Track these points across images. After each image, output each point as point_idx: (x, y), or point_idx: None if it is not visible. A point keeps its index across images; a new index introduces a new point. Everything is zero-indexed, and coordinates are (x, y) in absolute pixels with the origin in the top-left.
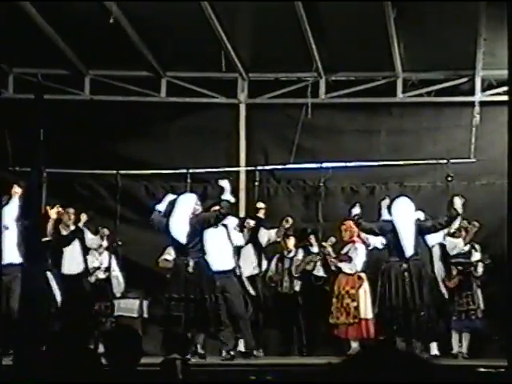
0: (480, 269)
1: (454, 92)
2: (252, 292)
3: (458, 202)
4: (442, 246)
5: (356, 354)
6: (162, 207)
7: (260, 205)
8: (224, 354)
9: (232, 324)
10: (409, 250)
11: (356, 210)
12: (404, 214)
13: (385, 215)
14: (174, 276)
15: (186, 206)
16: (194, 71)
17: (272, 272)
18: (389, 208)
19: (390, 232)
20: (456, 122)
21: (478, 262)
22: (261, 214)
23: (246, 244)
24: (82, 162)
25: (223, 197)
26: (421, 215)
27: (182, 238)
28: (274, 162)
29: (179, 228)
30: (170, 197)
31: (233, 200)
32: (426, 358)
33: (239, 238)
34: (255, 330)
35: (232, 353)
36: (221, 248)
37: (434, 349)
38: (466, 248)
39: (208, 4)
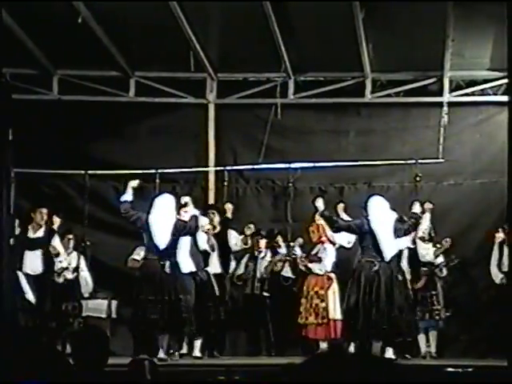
0: (444, 270)
1: (422, 92)
2: (217, 292)
3: (416, 207)
4: (410, 249)
5: (312, 356)
6: (128, 197)
7: (228, 206)
8: (194, 354)
9: (199, 324)
10: (387, 251)
11: (320, 203)
12: (381, 214)
13: (344, 218)
14: (149, 277)
15: (166, 207)
16: (163, 71)
17: (241, 271)
18: (364, 207)
19: (366, 232)
20: (424, 122)
21: (441, 263)
22: (229, 214)
23: (213, 248)
24: (50, 162)
25: (190, 213)
26: (394, 215)
27: (162, 239)
28: (242, 162)
29: (159, 229)
30: (132, 183)
31: (198, 213)
32: (385, 360)
33: (206, 241)
34: (223, 330)
35: (199, 354)
36: (190, 250)
37: (390, 351)
38: (430, 254)
39: (177, 4)
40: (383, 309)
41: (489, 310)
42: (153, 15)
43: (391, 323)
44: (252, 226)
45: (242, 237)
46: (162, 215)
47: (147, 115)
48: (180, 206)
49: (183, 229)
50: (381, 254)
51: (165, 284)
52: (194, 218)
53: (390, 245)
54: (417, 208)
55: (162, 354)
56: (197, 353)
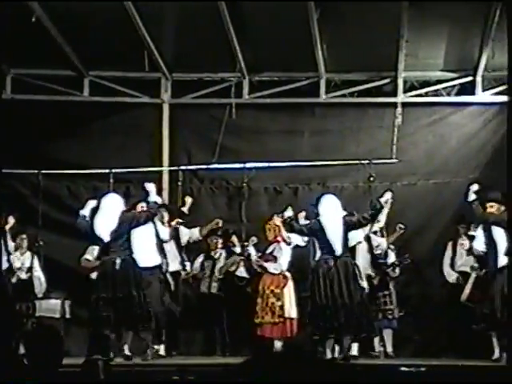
0: (397, 269)
1: (376, 93)
2: (172, 288)
3: (386, 196)
4: (365, 245)
5: (255, 355)
6: (86, 212)
7: (188, 199)
8: (146, 353)
9: (155, 322)
10: (338, 248)
11: (289, 213)
12: (331, 212)
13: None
14: (101, 276)
15: (111, 206)
16: (117, 71)
17: (196, 271)
18: (316, 206)
19: (318, 230)
20: (378, 122)
21: (394, 262)
22: (185, 209)
23: (170, 239)
24: (3, 161)
25: (150, 199)
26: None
27: (108, 236)
28: (197, 162)
29: (105, 227)
30: (92, 203)
31: (160, 201)
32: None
33: (166, 233)
34: (178, 329)
35: (153, 353)
36: (147, 245)
37: (355, 349)
38: (383, 249)
39: (131, 4)
40: (344, 306)
41: (442, 310)
42: (107, 15)
43: (352, 319)
44: (220, 221)
45: (200, 228)
46: (110, 213)
47: (101, 115)
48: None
49: (132, 220)
50: (333, 251)
51: (117, 281)
52: (155, 204)
53: (341, 241)
54: (385, 197)
55: (126, 350)
56: (162, 351)
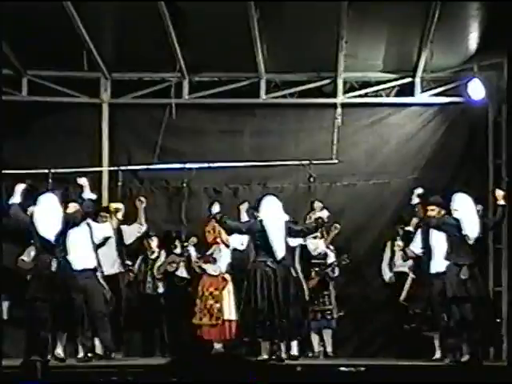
0: (336, 270)
1: (316, 94)
2: (108, 291)
3: (322, 212)
4: (303, 247)
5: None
6: (16, 199)
7: (119, 206)
8: (82, 355)
9: (91, 324)
10: (278, 250)
11: (216, 209)
12: (273, 214)
13: (244, 218)
14: (37, 276)
15: (48, 205)
16: (56, 70)
17: (136, 272)
18: (256, 207)
19: (258, 231)
20: (319, 123)
21: (333, 263)
22: (119, 216)
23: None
24: None
25: (84, 195)
26: (286, 215)
27: (46, 237)
28: (137, 162)
29: (42, 227)
30: (21, 186)
31: (94, 197)
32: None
33: (102, 233)
34: (117, 330)
35: (90, 354)
36: (83, 247)
37: (295, 349)
38: (322, 250)
39: (70, 3)
40: (279, 308)
41: (381, 310)
42: (46, 14)
43: (287, 322)
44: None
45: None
46: (47, 213)
47: (40, 114)
48: (67, 202)
49: (68, 222)
50: (273, 254)
51: (54, 283)
52: (89, 201)
53: (282, 244)
54: (323, 214)
55: (60, 352)
56: (99, 350)
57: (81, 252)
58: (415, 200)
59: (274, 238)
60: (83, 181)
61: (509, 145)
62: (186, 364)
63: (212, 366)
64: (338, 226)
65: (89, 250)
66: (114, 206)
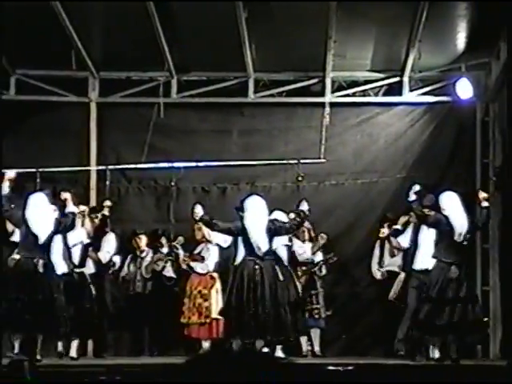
0: (324, 269)
1: (304, 93)
2: (93, 291)
3: (305, 205)
4: (289, 247)
5: (195, 355)
6: (4, 190)
7: (107, 203)
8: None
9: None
10: (261, 248)
11: (199, 211)
12: (255, 212)
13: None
14: (21, 276)
15: (38, 205)
16: (44, 69)
17: (125, 272)
18: (241, 207)
19: (242, 231)
20: (307, 122)
21: (321, 261)
22: (106, 212)
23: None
24: None
25: (67, 210)
26: (280, 215)
27: (35, 237)
28: (125, 161)
29: (33, 227)
30: (10, 174)
31: (76, 211)
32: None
33: (82, 237)
34: (105, 330)
35: (75, 355)
36: (59, 251)
37: (279, 350)
38: (309, 256)
39: (58, 2)
40: (266, 307)
41: (369, 309)
42: (34, 12)
43: (275, 321)
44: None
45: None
46: (37, 213)
47: (28, 114)
48: (58, 203)
49: (58, 226)
50: (253, 253)
51: (38, 283)
52: (71, 214)
53: (266, 243)
54: (305, 206)
55: (37, 355)
56: (73, 353)
57: (57, 256)
58: (412, 197)
59: (256, 235)
60: (66, 195)
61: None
62: (204, 363)
63: (232, 364)
64: (324, 236)
65: (61, 254)
66: (104, 203)
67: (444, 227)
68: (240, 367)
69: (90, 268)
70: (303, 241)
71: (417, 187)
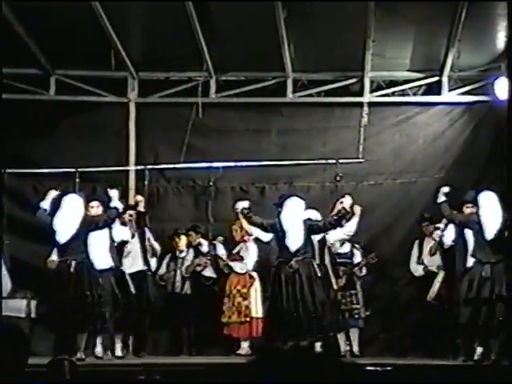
0: (363, 269)
1: (343, 93)
2: (132, 290)
3: (347, 200)
4: (326, 244)
5: (257, 356)
6: (46, 204)
7: (137, 197)
8: (101, 354)
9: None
10: (295, 245)
11: (244, 204)
12: (292, 213)
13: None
14: (58, 277)
15: (72, 207)
16: (84, 69)
17: (163, 271)
18: (280, 204)
19: (279, 230)
20: (345, 122)
21: (361, 262)
22: (140, 208)
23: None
24: None
25: (111, 204)
26: (314, 214)
27: (66, 238)
28: (163, 161)
29: (64, 229)
30: (53, 193)
31: (120, 207)
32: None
33: (125, 234)
34: (145, 328)
35: (120, 353)
36: (103, 248)
37: (318, 348)
38: (348, 249)
39: (98, 3)
40: (305, 306)
41: (408, 309)
42: (74, 13)
43: (314, 320)
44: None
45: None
46: (69, 215)
47: (68, 114)
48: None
49: (90, 224)
50: (287, 250)
51: (71, 283)
52: (115, 209)
53: (301, 241)
54: (347, 202)
55: (79, 354)
56: (118, 352)
57: (99, 253)
58: (441, 198)
59: (291, 236)
60: (113, 192)
61: None
62: (272, 363)
63: (299, 364)
64: (373, 256)
65: (106, 250)
66: (135, 198)
67: (475, 226)
68: (323, 369)
69: (127, 266)
70: (342, 243)
71: (445, 189)
